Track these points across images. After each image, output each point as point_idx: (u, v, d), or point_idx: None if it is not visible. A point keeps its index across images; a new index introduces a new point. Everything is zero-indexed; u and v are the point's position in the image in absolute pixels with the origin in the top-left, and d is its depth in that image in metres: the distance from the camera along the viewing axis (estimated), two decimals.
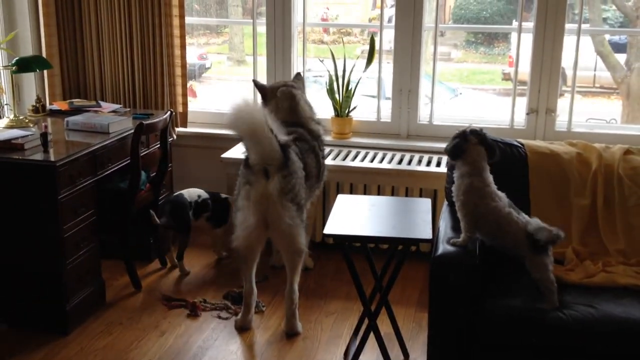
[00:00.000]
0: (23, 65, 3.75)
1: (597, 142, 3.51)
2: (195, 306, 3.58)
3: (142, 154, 3.70)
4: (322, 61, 4.67)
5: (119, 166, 3.69)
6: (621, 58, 5.61)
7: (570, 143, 3.47)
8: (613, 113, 6.28)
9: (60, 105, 4.18)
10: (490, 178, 2.82)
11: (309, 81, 4.61)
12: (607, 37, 5.68)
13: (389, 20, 4.63)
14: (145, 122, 3.61)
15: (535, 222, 2.75)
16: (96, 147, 3.45)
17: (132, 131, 3.61)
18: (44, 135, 3.32)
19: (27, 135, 3.37)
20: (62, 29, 4.46)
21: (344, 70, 4.40)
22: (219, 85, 7.09)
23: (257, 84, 3.83)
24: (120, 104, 4.43)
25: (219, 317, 3.53)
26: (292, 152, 3.21)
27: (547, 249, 2.72)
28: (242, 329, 3.41)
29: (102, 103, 4.28)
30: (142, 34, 4.37)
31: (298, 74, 3.94)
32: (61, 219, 3.19)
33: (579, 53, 4.15)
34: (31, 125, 3.71)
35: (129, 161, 3.66)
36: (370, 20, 6.43)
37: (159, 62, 4.39)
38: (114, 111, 4.10)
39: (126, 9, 4.34)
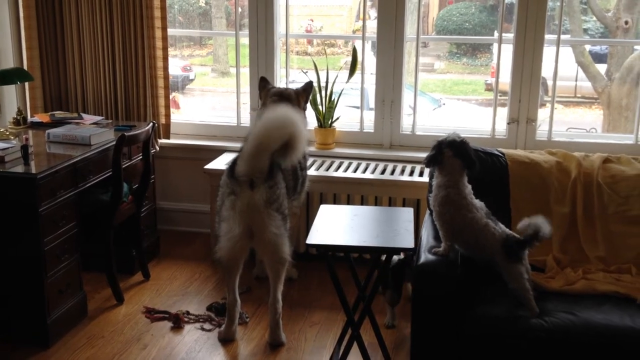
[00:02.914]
0: (4, 78, 3.73)
1: (577, 151, 3.55)
2: (178, 318, 3.56)
3: (124, 166, 3.69)
4: (305, 73, 4.69)
5: (101, 178, 3.67)
6: (602, 68, 5.68)
7: (550, 152, 3.51)
8: (594, 122, 6.35)
9: (41, 117, 4.16)
10: (468, 189, 2.84)
11: None
12: (588, 47, 5.75)
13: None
14: (127, 134, 3.60)
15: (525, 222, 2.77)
16: (77, 159, 3.43)
17: (114, 143, 3.60)
18: (24, 148, 3.30)
19: (8, 148, 3.34)
20: (44, 41, 4.45)
21: (327, 82, 4.42)
22: (203, 97, 7.10)
23: (260, 83, 3.80)
24: (102, 115, 4.42)
25: (203, 329, 3.51)
26: (275, 163, 3.21)
27: (521, 257, 2.74)
28: (226, 340, 3.40)
29: (84, 115, 4.26)
30: (124, 45, 4.37)
31: (309, 83, 3.84)
32: (42, 231, 3.16)
33: (560, 63, 4.20)
34: (12, 137, 3.68)
35: (110, 173, 3.65)
36: (354, 32, 6.47)
37: (141, 73, 4.39)
38: (95, 123, 4.09)
39: (108, 21, 4.34)
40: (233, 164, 3.21)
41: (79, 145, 3.60)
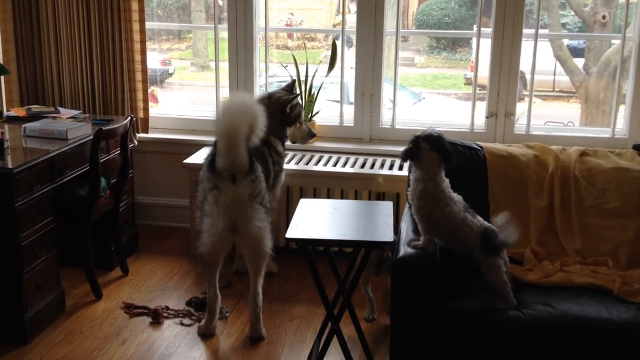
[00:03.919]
0: None
1: (554, 145, 3.57)
2: (157, 313, 3.54)
3: (102, 160, 3.65)
4: (285, 67, 4.68)
5: (78, 173, 3.64)
6: (580, 62, 5.73)
7: (527, 145, 3.54)
8: (572, 116, 6.41)
9: (17, 111, 4.11)
10: (446, 182, 2.86)
11: (272, 87, 4.60)
12: (566, 41, 5.80)
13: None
14: (104, 128, 3.57)
15: (500, 219, 2.79)
16: (54, 153, 3.40)
17: (91, 137, 3.57)
18: (0, 142, 3.26)
19: None
20: (20, 34, 4.39)
21: (307, 76, 4.41)
22: (182, 91, 7.06)
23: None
24: (79, 109, 4.37)
25: (182, 324, 3.49)
26: (253, 158, 3.20)
27: (499, 250, 2.76)
28: (206, 335, 3.38)
29: (60, 109, 4.21)
30: (101, 38, 4.32)
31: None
32: (18, 227, 3.13)
33: (539, 58, 4.23)
34: None
35: (88, 168, 3.61)
36: (334, 26, 6.46)
37: (119, 67, 4.35)
38: (72, 117, 4.05)
39: (85, 14, 4.29)
40: (212, 157, 3.20)
41: (56, 140, 3.57)
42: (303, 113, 3.92)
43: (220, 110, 3.13)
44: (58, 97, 4.47)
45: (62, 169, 3.49)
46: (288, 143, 3.92)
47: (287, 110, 3.73)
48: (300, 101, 3.87)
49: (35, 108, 4.18)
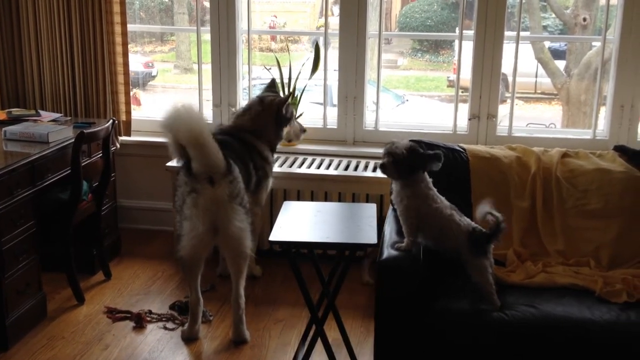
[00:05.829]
0: None
1: (536, 146, 3.60)
2: (140, 317, 3.51)
3: (83, 164, 3.63)
4: (269, 69, 4.67)
5: (60, 176, 3.61)
6: (561, 65, 5.79)
7: (510, 147, 3.56)
8: (554, 118, 6.47)
9: None
10: (430, 181, 2.87)
11: (255, 89, 4.59)
12: (547, 44, 5.86)
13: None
14: (86, 131, 3.54)
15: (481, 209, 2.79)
16: (35, 157, 3.37)
17: (73, 140, 3.54)
18: None
19: None
20: (0, 36, 4.34)
21: (289, 78, 4.41)
22: (165, 94, 7.03)
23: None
24: (60, 112, 4.33)
25: (165, 328, 3.47)
26: (230, 158, 3.20)
27: (486, 251, 2.77)
28: (189, 339, 3.37)
29: (41, 112, 4.18)
30: (82, 41, 4.29)
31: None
32: None
33: (520, 60, 4.25)
34: None
35: (69, 171, 3.58)
36: (317, 28, 6.48)
37: (100, 69, 4.32)
38: (54, 120, 4.02)
39: (66, 16, 4.26)
40: (188, 161, 3.18)
41: (37, 143, 3.54)
42: (294, 111, 3.97)
43: (172, 119, 3.07)
44: (39, 100, 4.43)
45: (43, 172, 3.46)
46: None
47: (283, 112, 3.73)
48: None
49: (15, 111, 4.14)
